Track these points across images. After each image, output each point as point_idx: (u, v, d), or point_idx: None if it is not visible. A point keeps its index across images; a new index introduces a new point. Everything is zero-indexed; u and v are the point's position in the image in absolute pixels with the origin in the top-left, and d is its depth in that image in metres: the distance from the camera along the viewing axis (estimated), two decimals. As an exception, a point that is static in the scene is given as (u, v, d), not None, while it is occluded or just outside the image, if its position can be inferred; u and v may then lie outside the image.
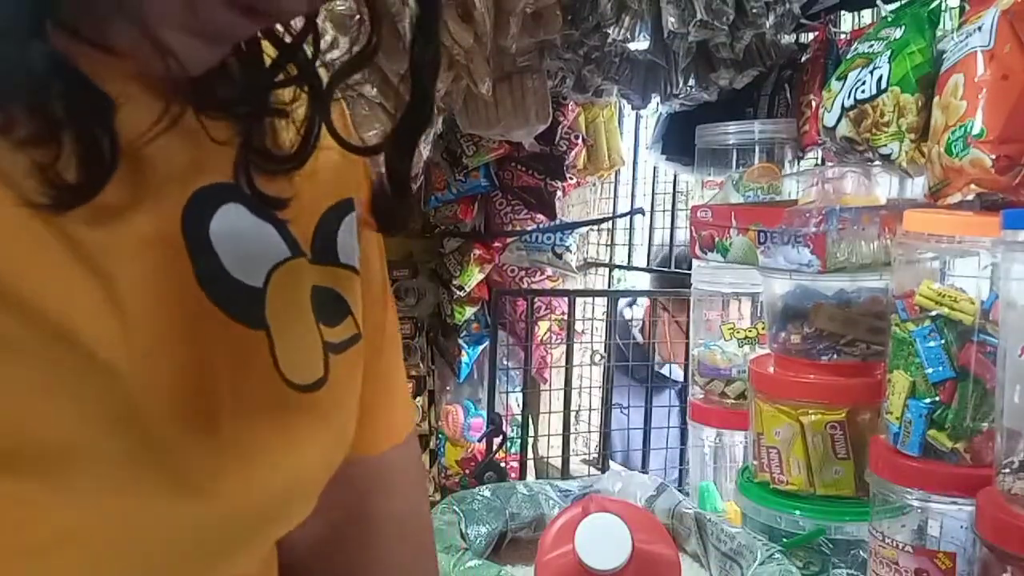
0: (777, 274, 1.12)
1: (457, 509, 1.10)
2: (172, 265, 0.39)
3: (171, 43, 0.35)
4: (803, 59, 1.48)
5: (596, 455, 2.18)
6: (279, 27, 0.45)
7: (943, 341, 0.87)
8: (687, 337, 1.83)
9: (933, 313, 0.88)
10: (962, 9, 1.08)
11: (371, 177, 0.51)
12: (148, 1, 0.35)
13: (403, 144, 0.46)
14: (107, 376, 0.36)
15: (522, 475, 2.10)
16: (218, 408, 0.40)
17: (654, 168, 2.25)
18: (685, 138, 1.59)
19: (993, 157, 0.88)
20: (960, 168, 0.91)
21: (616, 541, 0.93)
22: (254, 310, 0.42)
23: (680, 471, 1.96)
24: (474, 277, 2.21)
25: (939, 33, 1.09)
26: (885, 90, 1.06)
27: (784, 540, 1.08)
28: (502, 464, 1.80)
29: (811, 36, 1.50)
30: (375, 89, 1.38)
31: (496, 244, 2.26)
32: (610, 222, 2.43)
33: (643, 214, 2.33)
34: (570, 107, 2.12)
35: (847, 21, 1.54)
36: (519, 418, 2.23)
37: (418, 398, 2.15)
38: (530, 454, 2.25)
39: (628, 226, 2.37)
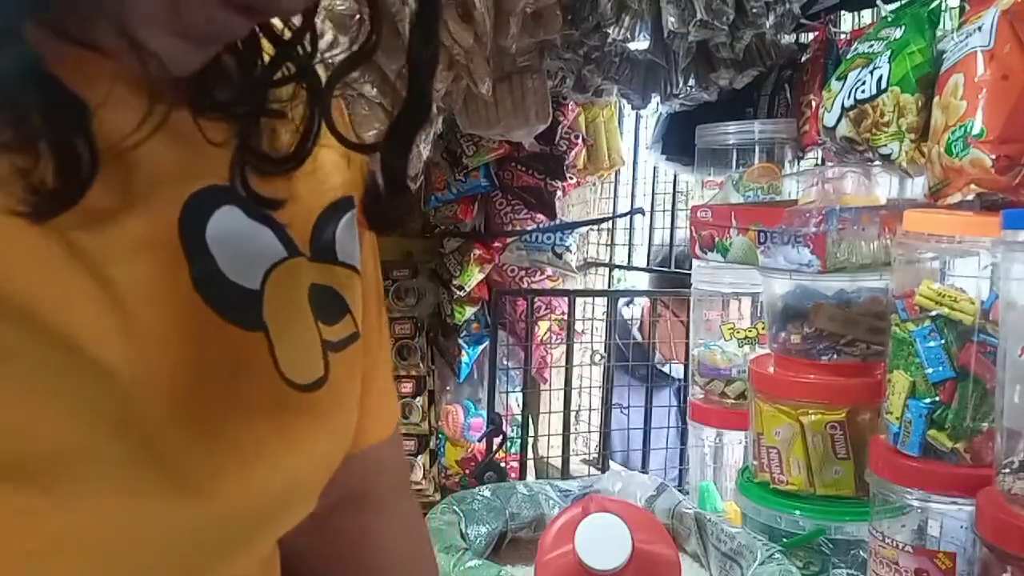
0: (777, 274, 1.12)
1: (457, 509, 1.10)
2: (169, 268, 0.39)
3: (155, 44, 0.35)
4: (803, 59, 1.48)
5: (596, 455, 2.18)
6: (278, 24, 0.45)
7: (943, 341, 0.87)
8: (687, 335, 1.83)
9: (933, 313, 0.88)
10: (962, 9, 1.08)
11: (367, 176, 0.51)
12: (130, 2, 0.34)
13: (400, 142, 0.46)
14: (106, 379, 0.36)
15: (522, 475, 2.09)
16: (217, 409, 0.40)
17: (654, 168, 2.25)
18: (685, 138, 1.59)
19: (993, 157, 0.88)
20: (960, 168, 0.91)
21: (616, 541, 0.93)
22: (251, 312, 0.42)
23: (680, 471, 1.96)
24: (474, 277, 2.21)
25: (939, 33, 1.09)
26: (885, 90, 1.06)
27: (784, 540, 1.08)
28: (502, 464, 1.80)
29: (811, 36, 1.50)
30: (374, 89, 1.38)
31: (496, 244, 2.26)
32: (610, 222, 2.42)
33: (643, 214, 2.33)
34: (570, 107, 2.12)
35: (847, 21, 1.54)
36: (519, 418, 2.23)
37: (418, 398, 2.15)
38: (530, 454, 2.25)
39: (628, 226, 2.37)
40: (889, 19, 1.14)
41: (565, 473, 1.97)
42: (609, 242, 2.44)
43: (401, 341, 2.15)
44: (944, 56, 0.99)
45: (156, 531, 0.37)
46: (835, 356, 1.09)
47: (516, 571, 1.08)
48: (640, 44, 1.53)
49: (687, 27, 1.38)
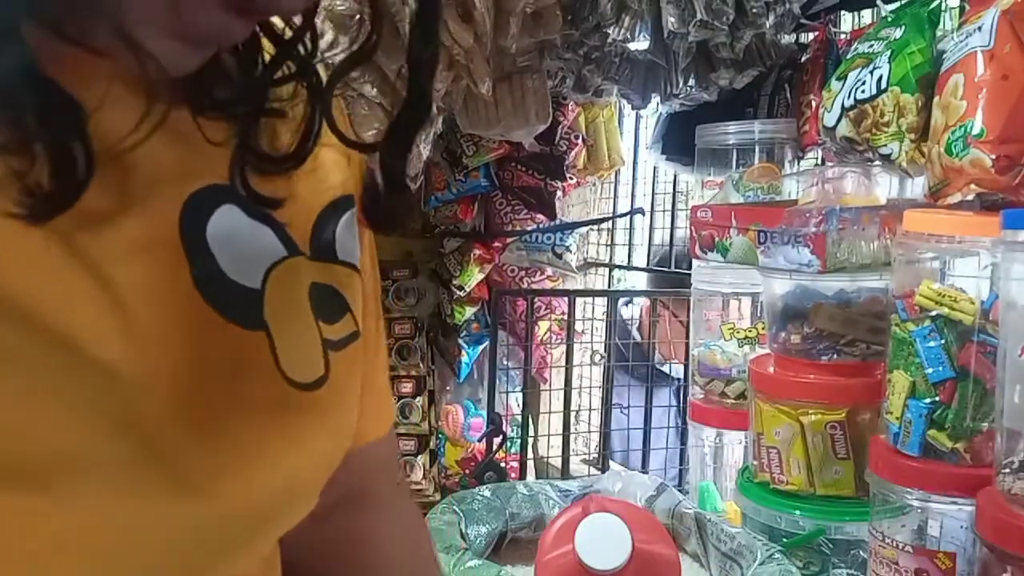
0: (777, 274, 1.12)
1: (457, 509, 1.10)
2: (169, 268, 0.39)
3: (153, 45, 0.35)
4: (803, 59, 1.48)
5: (596, 455, 2.18)
6: (278, 24, 0.45)
7: (943, 341, 0.87)
8: (687, 335, 1.83)
9: (933, 313, 0.88)
10: (962, 9, 1.08)
11: (366, 175, 0.51)
12: (128, 2, 0.34)
13: (399, 141, 0.46)
14: (106, 379, 0.36)
15: (522, 475, 2.09)
16: (217, 409, 0.40)
17: (654, 168, 2.25)
18: (685, 138, 1.59)
19: (993, 157, 0.88)
20: (960, 168, 0.91)
21: (616, 541, 0.93)
22: (252, 311, 0.42)
23: (680, 471, 1.96)
24: (474, 277, 2.21)
25: (939, 33, 1.09)
26: (885, 90, 1.06)
27: (784, 540, 1.08)
28: (502, 464, 1.80)
29: (811, 36, 1.50)
30: (374, 89, 1.38)
31: (496, 244, 2.26)
32: (610, 222, 2.42)
33: (643, 214, 2.33)
34: (570, 107, 2.12)
35: (847, 21, 1.54)
36: (519, 418, 2.23)
37: (418, 398, 2.15)
38: (530, 454, 2.25)
39: (628, 226, 2.37)
40: (889, 19, 1.14)
41: (565, 473, 1.97)
42: (609, 242, 2.44)
43: (401, 341, 2.15)
44: (944, 56, 0.99)
45: (157, 531, 0.37)
46: (835, 356, 1.09)
47: (516, 571, 1.08)
48: (640, 44, 1.53)
49: (687, 27, 1.38)
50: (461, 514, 1.09)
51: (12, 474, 0.33)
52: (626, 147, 2.33)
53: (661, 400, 2.12)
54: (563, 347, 2.18)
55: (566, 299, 2.19)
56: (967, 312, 0.86)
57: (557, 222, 2.25)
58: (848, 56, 1.18)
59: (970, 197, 0.92)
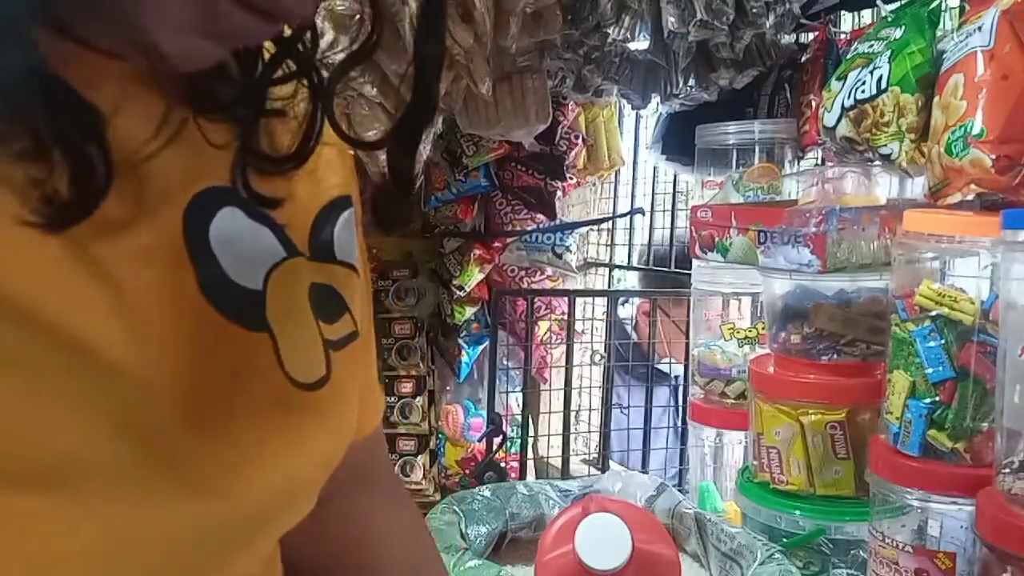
0: (777, 274, 1.12)
1: (457, 509, 1.10)
2: (174, 271, 0.39)
3: (168, 43, 0.34)
4: (803, 59, 1.48)
5: (596, 455, 2.18)
6: None
7: (943, 341, 0.87)
8: (685, 334, 1.83)
9: (933, 313, 0.88)
10: (962, 9, 1.08)
11: (367, 176, 0.51)
12: (143, 1, 0.33)
13: (406, 140, 0.46)
14: (110, 381, 0.36)
15: (522, 475, 2.09)
16: (221, 410, 0.40)
17: (654, 168, 2.25)
18: (685, 138, 1.59)
19: (993, 157, 0.88)
20: (960, 168, 0.91)
21: (616, 541, 0.93)
22: (255, 313, 0.42)
23: (680, 471, 1.96)
24: (474, 277, 2.21)
25: (939, 33, 1.09)
26: (885, 90, 1.06)
27: (784, 540, 1.08)
28: (502, 464, 1.80)
29: (811, 36, 1.50)
30: (374, 89, 1.38)
31: (496, 244, 2.26)
32: (610, 222, 2.43)
33: (643, 214, 2.33)
34: (570, 107, 2.12)
35: (847, 21, 1.54)
36: (519, 418, 2.23)
37: (418, 398, 2.15)
38: (530, 454, 2.25)
39: (628, 226, 2.37)
40: (889, 19, 1.14)
41: (565, 473, 1.97)
42: (609, 242, 2.44)
43: (401, 341, 2.14)
44: (944, 56, 0.99)
45: (158, 531, 0.37)
46: (835, 356, 1.09)
47: (516, 571, 1.08)
48: (640, 44, 1.53)
49: (687, 27, 1.38)
50: (461, 514, 1.09)
51: (14, 474, 0.33)
52: (626, 147, 2.33)
53: (661, 400, 2.12)
54: (563, 347, 2.18)
55: (566, 299, 2.19)
56: (967, 312, 0.86)
57: (557, 222, 2.25)
58: (848, 56, 1.18)
59: (970, 197, 0.92)
